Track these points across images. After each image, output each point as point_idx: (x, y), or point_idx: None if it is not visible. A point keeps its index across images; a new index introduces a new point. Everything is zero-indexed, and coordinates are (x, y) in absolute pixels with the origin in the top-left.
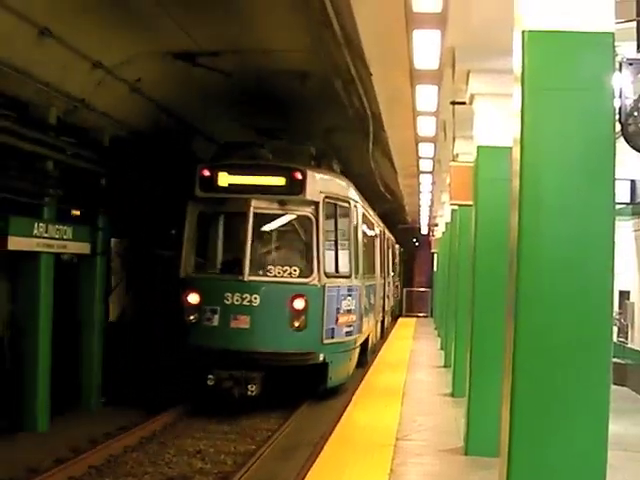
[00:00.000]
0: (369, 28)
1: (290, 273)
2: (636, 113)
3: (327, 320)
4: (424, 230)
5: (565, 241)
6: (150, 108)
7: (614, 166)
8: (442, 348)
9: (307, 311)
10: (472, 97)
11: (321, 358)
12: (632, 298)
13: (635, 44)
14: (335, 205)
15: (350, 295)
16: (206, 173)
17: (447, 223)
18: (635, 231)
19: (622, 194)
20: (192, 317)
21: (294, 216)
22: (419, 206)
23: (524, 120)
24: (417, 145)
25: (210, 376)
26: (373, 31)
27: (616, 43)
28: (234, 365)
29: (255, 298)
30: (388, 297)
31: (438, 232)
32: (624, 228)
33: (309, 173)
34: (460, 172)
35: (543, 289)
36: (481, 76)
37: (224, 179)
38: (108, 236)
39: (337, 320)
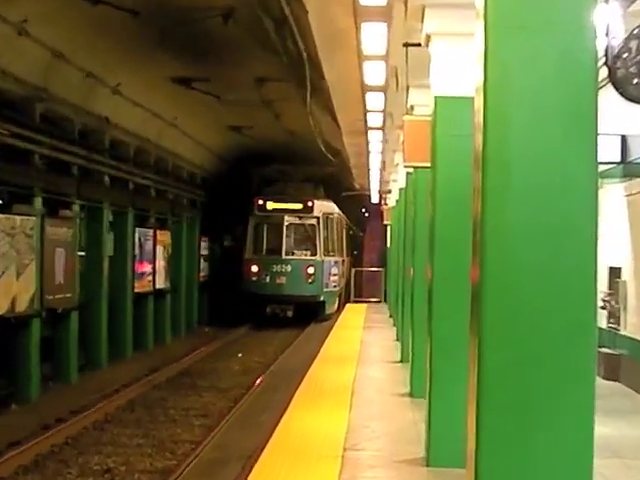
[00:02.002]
0: None
1: (305, 254)
2: (626, 54)
3: (325, 278)
4: (375, 198)
5: (538, 207)
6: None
7: (597, 118)
8: (398, 339)
9: (315, 274)
10: (428, 38)
11: (322, 299)
12: (624, 276)
13: None
14: (327, 216)
15: (335, 265)
16: (260, 202)
17: (401, 189)
18: (627, 196)
19: (611, 152)
20: (254, 278)
21: (307, 224)
22: (368, 169)
23: (488, 64)
24: (364, 96)
25: (268, 308)
26: None
27: None
28: (278, 302)
29: (288, 267)
30: (346, 270)
31: (391, 200)
32: (614, 192)
33: (315, 202)
34: (416, 128)
35: (513, 264)
36: (439, 12)
37: (270, 205)
38: None
39: (329, 278)
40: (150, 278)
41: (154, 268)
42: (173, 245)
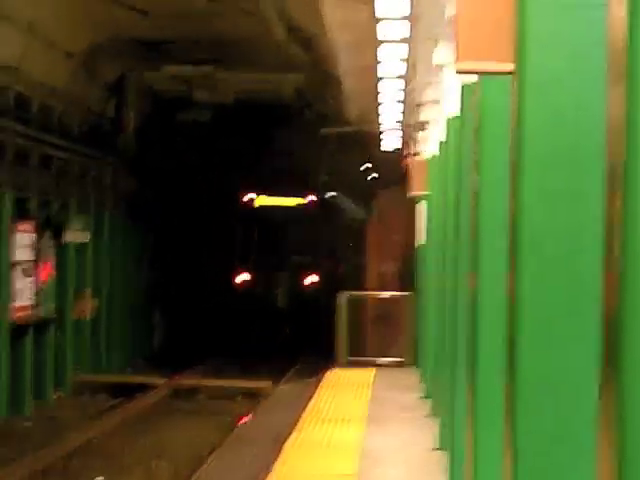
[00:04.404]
0: None
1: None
2: None
3: None
4: (391, 141)
5: None
6: None
7: None
8: (444, 447)
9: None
10: None
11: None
12: None
13: None
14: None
15: None
16: (246, 198)
17: (451, 121)
18: None
19: None
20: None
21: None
22: (376, 80)
23: None
24: None
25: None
26: None
27: None
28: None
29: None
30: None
31: (428, 145)
32: None
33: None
34: None
35: None
36: None
37: (259, 201)
38: None
39: None
40: None
41: None
42: None
